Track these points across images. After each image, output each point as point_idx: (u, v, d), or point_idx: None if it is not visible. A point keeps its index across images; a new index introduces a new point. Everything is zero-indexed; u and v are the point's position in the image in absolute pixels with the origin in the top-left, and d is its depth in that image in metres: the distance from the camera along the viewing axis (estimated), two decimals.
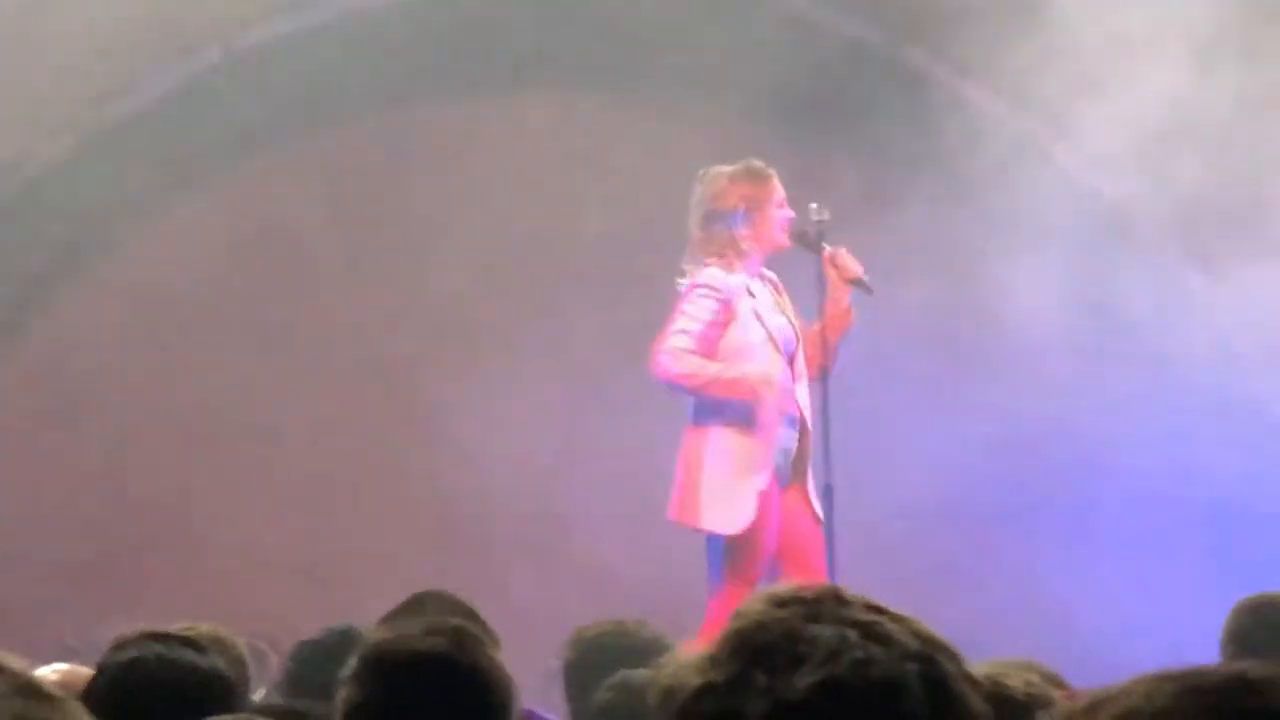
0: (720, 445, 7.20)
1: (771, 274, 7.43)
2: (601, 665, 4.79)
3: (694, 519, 7.19)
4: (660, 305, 9.39)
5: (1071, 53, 9.05)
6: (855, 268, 7.31)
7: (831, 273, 7.33)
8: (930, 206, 8.87)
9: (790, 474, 7.29)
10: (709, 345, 7.21)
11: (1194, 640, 5.34)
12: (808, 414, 7.29)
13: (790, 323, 7.35)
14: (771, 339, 7.23)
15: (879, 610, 1.71)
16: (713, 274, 7.27)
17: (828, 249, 7.33)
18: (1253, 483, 9.44)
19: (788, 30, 9.65)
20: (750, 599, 1.72)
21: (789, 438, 7.26)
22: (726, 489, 7.14)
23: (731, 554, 7.14)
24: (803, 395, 7.32)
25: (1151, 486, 9.53)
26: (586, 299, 9.65)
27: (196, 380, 9.74)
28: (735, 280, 7.25)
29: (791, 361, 7.31)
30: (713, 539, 7.18)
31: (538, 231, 9.79)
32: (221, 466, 9.72)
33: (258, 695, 4.65)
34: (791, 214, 7.33)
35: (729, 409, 7.19)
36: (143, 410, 9.74)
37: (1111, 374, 9.70)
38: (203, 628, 4.65)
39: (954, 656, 1.69)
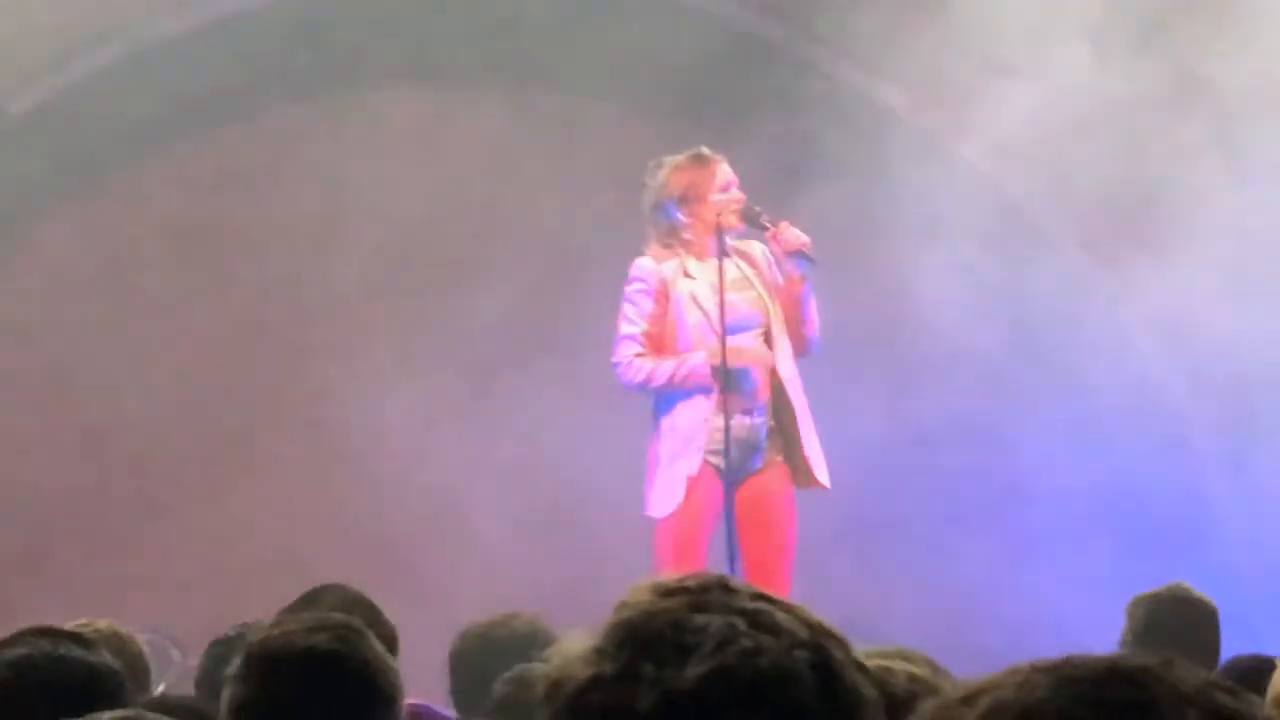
0: (662, 435, 7.32)
1: (750, 251, 7.50)
2: (488, 657, 4.77)
3: (647, 507, 7.34)
4: (552, 297, 9.46)
5: (972, 45, 9.09)
6: (796, 240, 7.39)
7: (775, 248, 7.44)
8: (829, 200, 8.87)
9: (765, 455, 7.35)
10: (656, 337, 7.34)
11: (1103, 634, 5.40)
12: (790, 390, 7.37)
13: (761, 298, 7.41)
14: (709, 320, 7.27)
15: (766, 599, 1.69)
16: (639, 264, 7.40)
17: (771, 225, 7.42)
18: (1155, 474, 9.53)
19: (680, 24, 9.65)
20: (634, 589, 1.70)
21: (745, 426, 7.31)
22: (664, 474, 7.26)
23: (663, 540, 7.25)
24: (783, 369, 7.38)
25: (1056, 480, 9.59)
26: (481, 291, 9.63)
27: (96, 377, 9.65)
28: (668, 266, 7.34)
29: (768, 338, 7.39)
30: (656, 528, 7.30)
31: (431, 224, 9.76)
32: (119, 463, 9.63)
33: (158, 690, 4.60)
34: (742, 197, 7.41)
35: (666, 400, 7.30)
36: (40, 409, 9.64)
37: (1013, 369, 9.75)
38: (100, 624, 4.62)
39: (843, 644, 1.68)
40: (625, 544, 7.68)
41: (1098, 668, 1.15)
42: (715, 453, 7.23)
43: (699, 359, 7.23)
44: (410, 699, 4.20)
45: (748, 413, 7.33)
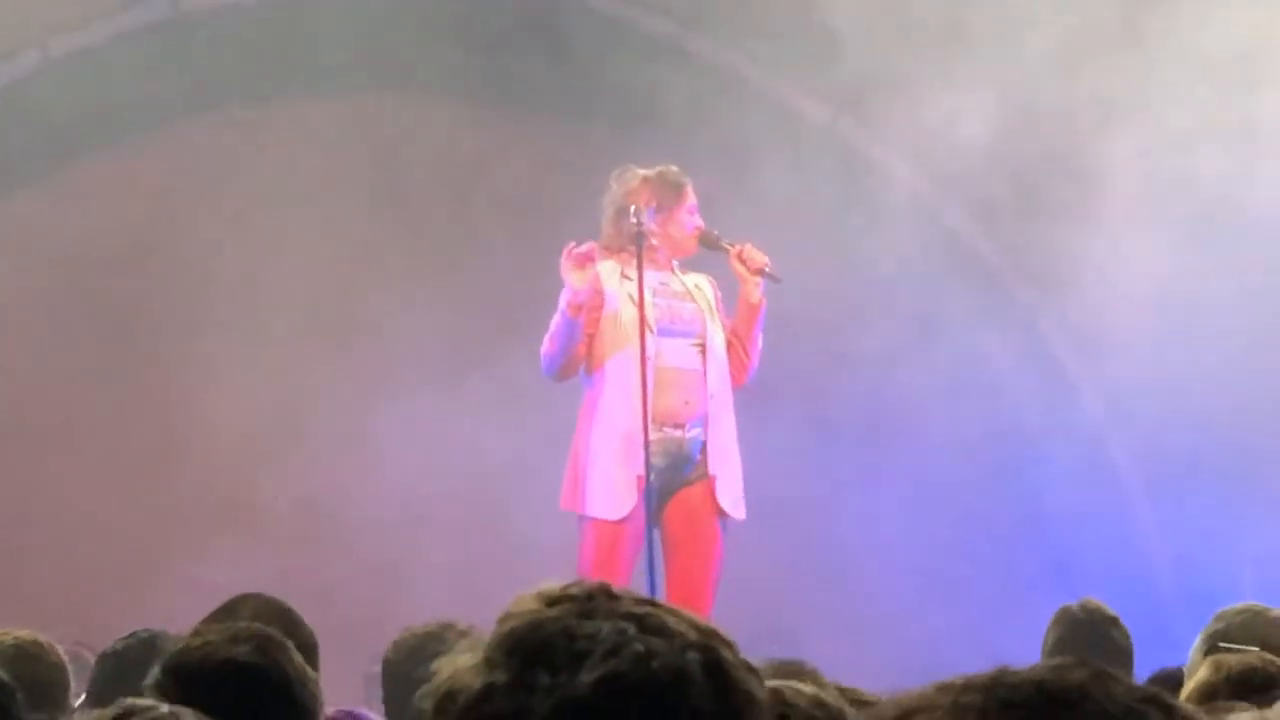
0: (596, 431, 7.31)
1: (699, 280, 7.56)
2: (419, 667, 4.76)
3: (579, 505, 7.30)
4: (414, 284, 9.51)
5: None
6: (760, 259, 7.44)
7: (739, 267, 7.47)
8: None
9: (683, 474, 7.35)
10: (588, 334, 7.34)
11: (1018, 644, 5.45)
12: (716, 407, 7.37)
13: (702, 312, 7.45)
14: (643, 319, 7.28)
15: (651, 603, 1.70)
16: None
17: (732, 246, 7.46)
18: (1076, 481, 9.60)
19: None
20: (517, 599, 1.71)
21: (676, 439, 7.32)
22: (605, 473, 7.24)
23: (593, 541, 7.23)
24: (714, 384, 7.39)
25: (980, 488, 9.64)
26: (372, 280, 9.64)
27: (12, 380, 9.64)
28: (605, 265, 7.38)
29: (703, 351, 7.40)
30: (583, 528, 7.28)
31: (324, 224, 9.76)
32: (31, 461, 9.59)
33: (78, 701, 4.58)
34: (701, 224, 7.49)
35: (604, 399, 7.30)
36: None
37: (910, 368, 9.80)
38: (21, 633, 4.57)
39: (730, 645, 1.69)
40: (547, 550, 7.69)
41: (1030, 690, 1.14)
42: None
43: (563, 296, 7.21)
44: (343, 706, 4.21)
45: (679, 426, 7.35)
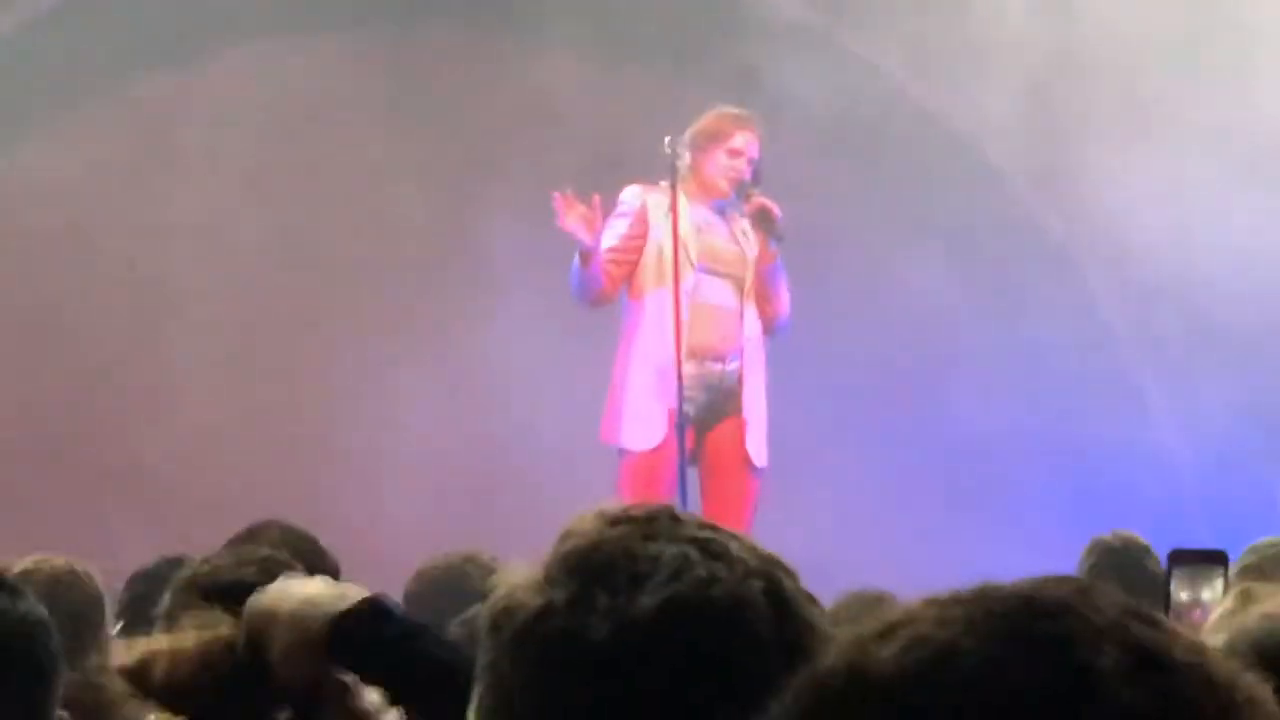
0: (633, 362, 7.37)
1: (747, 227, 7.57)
2: (444, 597, 4.75)
3: (615, 437, 7.37)
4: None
5: None
6: (768, 215, 7.49)
7: (749, 212, 7.53)
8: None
9: (725, 407, 7.37)
10: (625, 257, 7.39)
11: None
12: (751, 349, 7.42)
13: (744, 258, 7.48)
14: (686, 252, 7.31)
15: (714, 528, 1.68)
16: (625, 190, 7.52)
17: (755, 195, 7.51)
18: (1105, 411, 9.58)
19: None
20: (580, 518, 1.68)
21: (716, 373, 7.35)
22: (639, 405, 7.30)
23: (632, 474, 7.30)
24: (750, 327, 7.44)
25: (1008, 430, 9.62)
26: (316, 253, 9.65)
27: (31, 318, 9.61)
28: (652, 197, 7.43)
29: (741, 292, 7.44)
30: (624, 460, 7.35)
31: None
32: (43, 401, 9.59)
33: (115, 629, 4.57)
34: (745, 169, 7.49)
35: (641, 330, 7.35)
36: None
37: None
38: (57, 561, 4.55)
39: (792, 574, 1.67)
40: (575, 487, 7.68)
41: (1015, 601, 1.13)
42: (686, 398, 7.26)
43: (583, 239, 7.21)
44: None
45: (719, 359, 7.37)
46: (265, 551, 3.36)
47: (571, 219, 7.14)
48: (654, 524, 1.66)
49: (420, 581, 5.13)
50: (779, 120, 8.39)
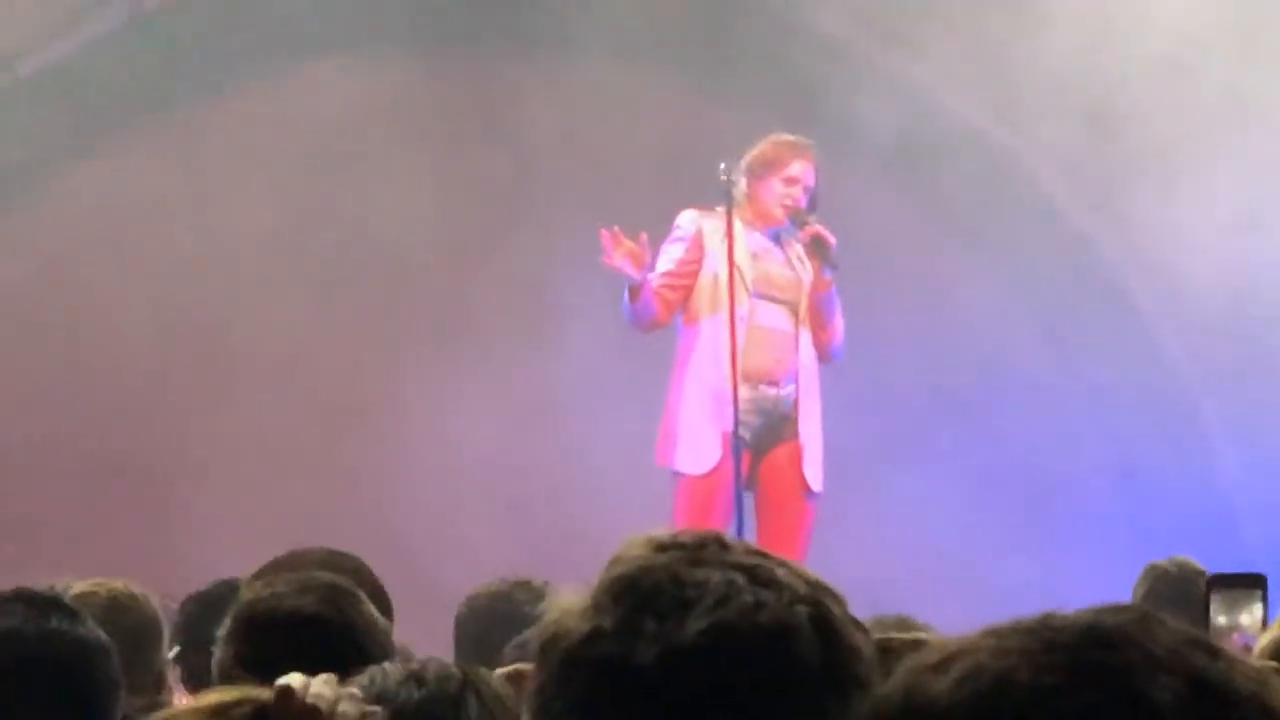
0: (687, 387, 7.39)
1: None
2: (494, 623, 4.75)
3: (670, 460, 7.39)
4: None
5: None
6: (823, 244, 7.48)
7: (805, 240, 7.52)
8: None
9: (780, 431, 7.39)
10: (681, 282, 7.42)
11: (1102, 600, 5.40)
12: (806, 376, 7.44)
13: (799, 283, 7.50)
14: (742, 277, 7.33)
15: (762, 554, 1.69)
16: (682, 214, 7.53)
17: (810, 223, 7.50)
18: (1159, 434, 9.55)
19: None
20: (629, 543, 1.70)
21: (771, 397, 7.35)
22: (694, 429, 7.31)
23: (687, 498, 7.31)
24: (805, 353, 7.46)
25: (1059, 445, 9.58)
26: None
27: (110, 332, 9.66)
28: (708, 222, 7.44)
29: (795, 313, 7.46)
30: (676, 486, 7.36)
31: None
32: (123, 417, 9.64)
33: (172, 654, 4.58)
34: (798, 199, 7.48)
35: (696, 354, 7.37)
36: (61, 362, 9.65)
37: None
38: (116, 584, 4.56)
39: (839, 600, 1.68)
40: (627, 510, 7.68)
41: (1073, 631, 1.13)
42: (741, 422, 7.26)
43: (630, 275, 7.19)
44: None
45: (773, 383, 7.38)
46: (328, 577, 3.36)
47: (619, 255, 7.13)
48: (702, 550, 1.67)
49: (471, 606, 5.12)
50: (838, 146, 8.40)
